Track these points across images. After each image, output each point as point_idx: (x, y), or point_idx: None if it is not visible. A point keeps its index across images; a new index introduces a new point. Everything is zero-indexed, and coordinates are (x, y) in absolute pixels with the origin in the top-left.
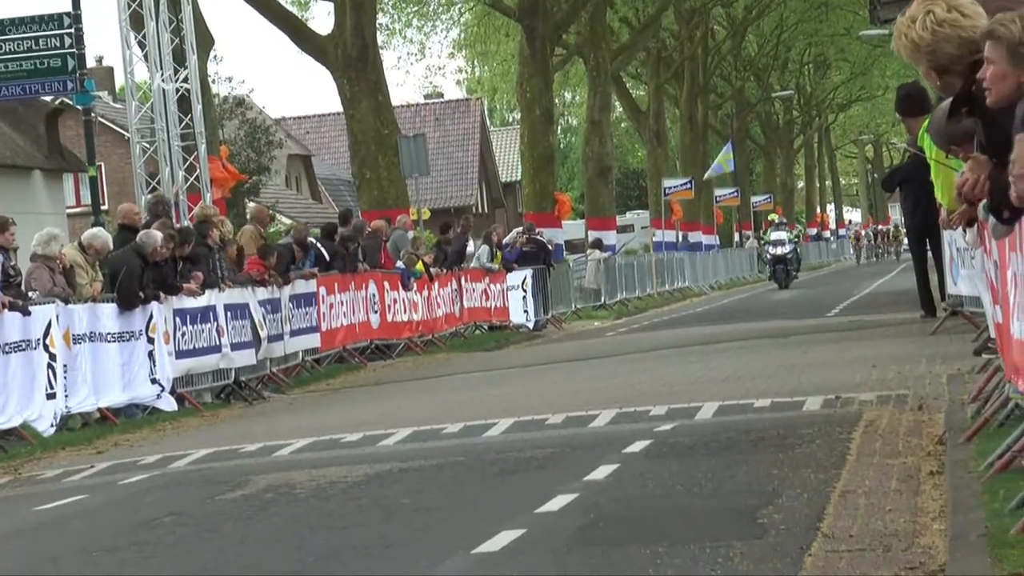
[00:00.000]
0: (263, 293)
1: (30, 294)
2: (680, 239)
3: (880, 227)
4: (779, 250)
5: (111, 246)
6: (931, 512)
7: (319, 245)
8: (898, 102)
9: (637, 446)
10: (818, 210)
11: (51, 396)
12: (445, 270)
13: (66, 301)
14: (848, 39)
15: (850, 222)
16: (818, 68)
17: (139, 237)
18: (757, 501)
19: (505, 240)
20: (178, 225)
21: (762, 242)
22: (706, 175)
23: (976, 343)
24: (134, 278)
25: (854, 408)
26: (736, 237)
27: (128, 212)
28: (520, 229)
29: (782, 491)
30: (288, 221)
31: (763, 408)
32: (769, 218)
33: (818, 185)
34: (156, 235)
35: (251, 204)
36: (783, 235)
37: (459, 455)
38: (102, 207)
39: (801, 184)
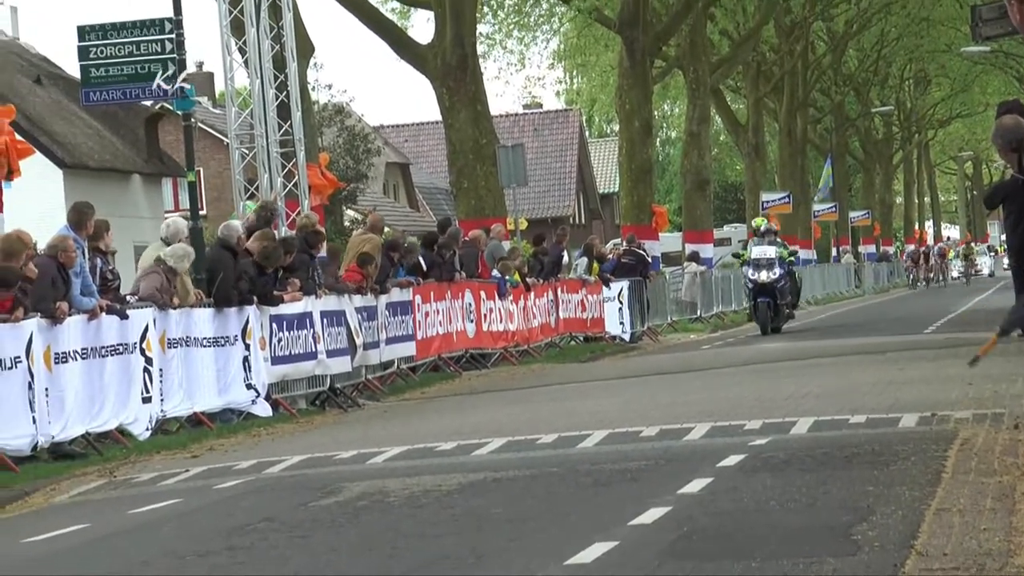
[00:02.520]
0: (359, 300)
1: (128, 297)
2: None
3: (922, 248)
4: (763, 274)
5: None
6: None
7: (419, 256)
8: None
9: (731, 460)
10: (916, 226)
11: (147, 400)
12: (541, 280)
13: (163, 308)
14: (949, 55)
15: (949, 238)
16: (918, 84)
17: (220, 231)
18: (851, 517)
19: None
20: (280, 235)
21: (740, 261)
22: (816, 198)
23: None
24: (228, 275)
25: (950, 426)
26: (834, 252)
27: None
28: (619, 240)
29: (876, 508)
30: (387, 230)
31: (858, 424)
32: (753, 224)
33: (917, 201)
34: (236, 225)
35: (370, 215)
36: (771, 252)
37: (553, 466)
38: (200, 212)
39: (900, 200)
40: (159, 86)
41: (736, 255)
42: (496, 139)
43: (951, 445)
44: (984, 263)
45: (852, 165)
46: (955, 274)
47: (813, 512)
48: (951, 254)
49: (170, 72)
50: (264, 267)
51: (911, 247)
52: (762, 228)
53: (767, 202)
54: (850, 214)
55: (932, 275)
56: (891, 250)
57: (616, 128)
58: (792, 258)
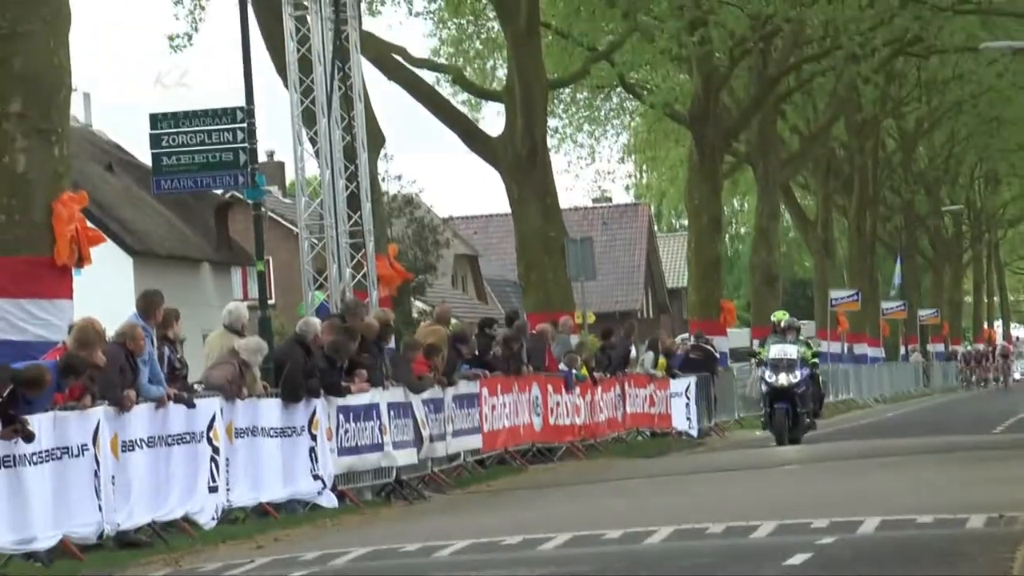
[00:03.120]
0: (427, 393)
1: (196, 386)
2: (845, 351)
3: (980, 346)
4: (782, 377)
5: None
6: None
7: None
8: None
9: (798, 559)
10: (985, 325)
11: (213, 489)
12: (608, 374)
13: (229, 398)
14: (1020, 155)
15: (1018, 338)
16: (989, 183)
17: (299, 327)
18: None
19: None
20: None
21: (756, 360)
22: (892, 291)
23: None
24: (298, 369)
25: (1018, 527)
26: (902, 350)
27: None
28: (687, 335)
29: None
30: (454, 321)
31: (925, 524)
32: (773, 318)
33: (986, 301)
34: (315, 322)
35: (438, 307)
36: (792, 351)
37: (619, 561)
38: (269, 301)
39: (969, 299)
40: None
41: (752, 353)
42: (565, 232)
43: (1019, 546)
44: None
45: (921, 263)
46: (1018, 375)
47: None
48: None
49: (241, 162)
50: (333, 359)
51: (963, 347)
52: (783, 323)
53: (836, 299)
54: (919, 312)
55: (993, 375)
56: (960, 349)
57: (685, 223)
58: (815, 359)
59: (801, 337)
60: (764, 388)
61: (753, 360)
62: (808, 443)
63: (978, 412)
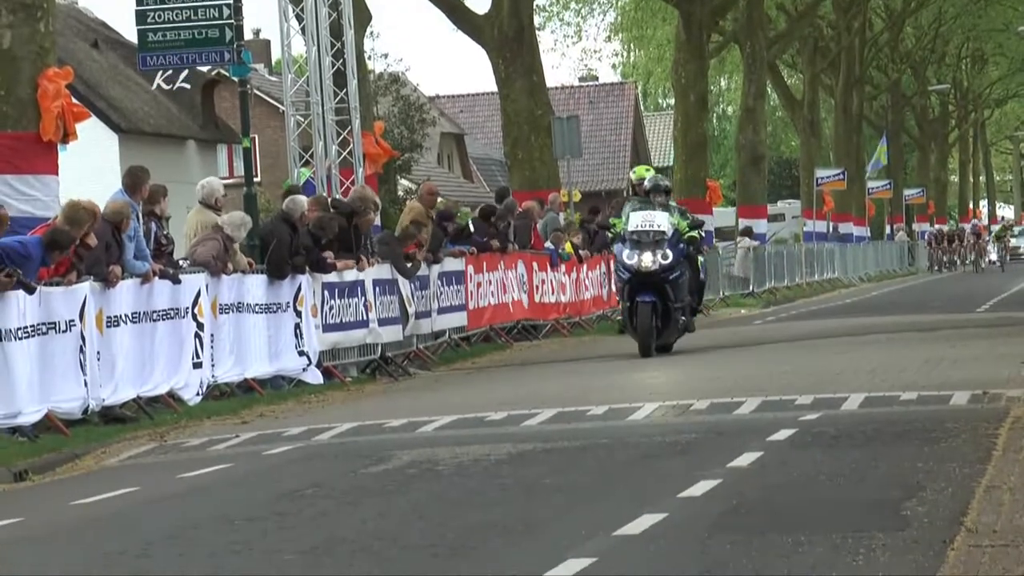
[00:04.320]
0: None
1: (181, 261)
2: (831, 230)
3: (940, 226)
4: (646, 259)
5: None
6: None
7: (471, 225)
8: None
9: (782, 435)
10: (971, 205)
11: (197, 365)
12: (594, 252)
13: (215, 275)
14: (1007, 34)
15: (1003, 218)
16: (975, 63)
17: (285, 204)
18: (901, 493)
19: None
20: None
21: (611, 235)
22: (867, 174)
23: None
24: (283, 247)
25: (1001, 404)
26: (888, 230)
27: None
28: None
29: (926, 484)
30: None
31: (909, 401)
32: (633, 176)
33: (971, 181)
34: (302, 200)
35: (423, 184)
36: (661, 221)
37: (603, 437)
38: (255, 179)
39: (954, 179)
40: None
41: (602, 226)
42: (551, 111)
43: (1002, 423)
44: None
45: (907, 143)
46: (992, 257)
47: (863, 487)
48: (989, 234)
49: (227, 38)
50: (318, 236)
51: (935, 228)
52: (647, 182)
53: (822, 178)
54: (904, 192)
55: (964, 257)
56: (945, 228)
57: (671, 102)
58: (695, 232)
59: (673, 203)
60: (622, 275)
61: (608, 234)
62: (788, 320)
63: (963, 291)
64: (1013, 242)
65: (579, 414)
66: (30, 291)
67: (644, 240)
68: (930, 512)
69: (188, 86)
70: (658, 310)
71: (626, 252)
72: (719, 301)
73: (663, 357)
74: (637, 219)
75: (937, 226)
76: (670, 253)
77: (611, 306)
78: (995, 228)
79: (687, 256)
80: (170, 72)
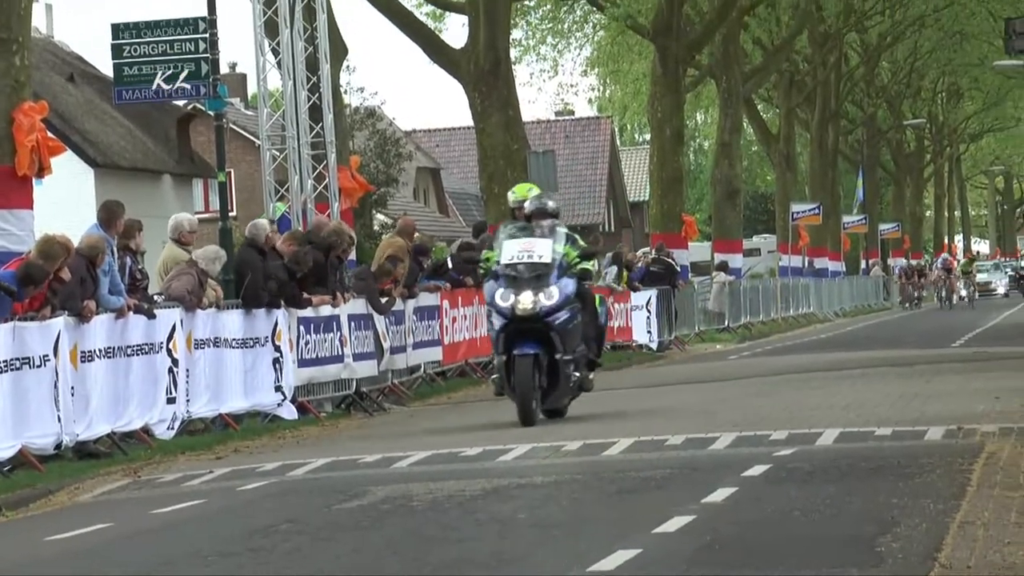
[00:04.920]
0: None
1: (156, 297)
2: (806, 264)
3: (915, 261)
4: (524, 299)
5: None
6: None
7: (448, 260)
8: None
9: (756, 470)
10: (946, 240)
11: (171, 400)
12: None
13: (190, 309)
14: (982, 69)
15: (979, 252)
16: (951, 97)
17: (248, 230)
18: (875, 529)
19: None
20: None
21: (481, 269)
22: (855, 207)
23: None
24: (257, 273)
25: (976, 439)
26: (863, 264)
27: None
28: (648, 249)
29: (901, 520)
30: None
31: (884, 436)
32: (513, 196)
33: (947, 215)
34: (263, 223)
35: (401, 219)
36: (542, 248)
37: (577, 472)
38: (230, 213)
39: (930, 213)
40: (159, 86)
41: (472, 261)
42: (527, 145)
43: (977, 459)
44: (998, 281)
45: (883, 178)
46: (964, 293)
47: (837, 523)
48: (957, 268)
49: (203, 72)
50: (294, 271)
51: (902, 260)
52: (527, 203)
53: (797, 213)
54: (880, 227)
55: (934, 292)
56: (914, 263)
57: (647, 137)
58: (588, 264)
59: (562, 228)
60: (494, 321)
61: (480, 269)
62: (763, 355)
63: (937, 326)
64: (982, 277)
65: (553, 449)
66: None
67: (522, 275)
68: (904, 548)
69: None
70: (542, 364)
71: (499, 292)
72: (694, 336)
73: (637, 389)
74: (513, 249)
75: (905, 260)
76: (555, 291)
77: None
78: (961, 262)
79: (581, 295)
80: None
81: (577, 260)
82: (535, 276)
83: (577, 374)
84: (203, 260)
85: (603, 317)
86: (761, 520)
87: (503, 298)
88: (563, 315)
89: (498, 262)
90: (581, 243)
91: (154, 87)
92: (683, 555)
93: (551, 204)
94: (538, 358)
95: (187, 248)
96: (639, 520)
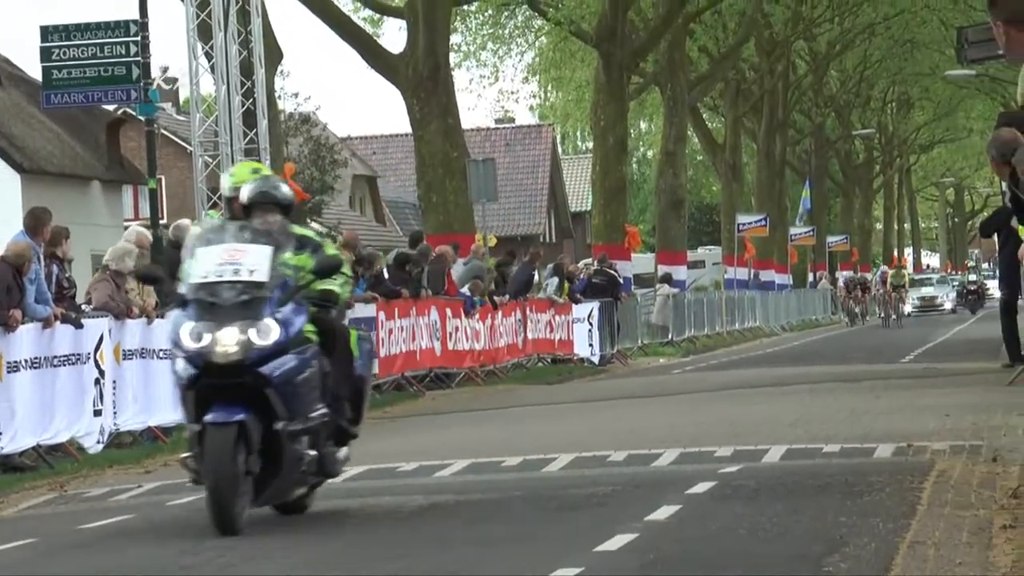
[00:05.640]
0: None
1: (84, 306)
2: (752, 277)
3: (861, 274)
4: (222, 339)
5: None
6: (1003, 567)
7: (385, 272)
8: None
9: (701, 487)
10: (895, 253)
11: (98, 413)
12: (508, 298)
13: (119, 317)
14: (933, 78)
15: (928, 266)
16: (901, 107)
17: (171, 231)
18: (823, 548)
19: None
20: None
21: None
22: (799, 217)
23: None
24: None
25: (926, 457)
26: (810, 277)
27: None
28: (590, 260)
29: (849, 539)
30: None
31: (832, 453)
32: (230, 177)
33: (896, 227)
34: (187, 223)
35: (345, 233)
36: (256, 262)
37: (517, 489)
38: (161, 221)
39: (879, 226)
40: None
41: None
42: (467, 153)
43: (927, 477)
44: (944, 296)
45: (831, 189)
46: (908, 308)
47: (784, 542)
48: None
49: (134, 76)
50: None
51: (847, 273)
52: (245, 190)
53: (743, 224)
54: (828, 239)
55: (880, 308)
56: (869, 276)
57: (590, 145)
58: (336, 284)
59: (298, 229)
60: (180, 371)
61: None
62: (708, 370)
63: (887, 341)
64: (927, 291)
65: (493, 465)
66: None
67: (222, 301)
68: (853, 568)
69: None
70: (251, 438)
71: (187, 328)
72: (637, 350)
73: (578, 404)
74: (209, 262)
75: (847, 273)
76: (273, 326)
77: (526, 354)
78: (890, 272)
79: (323, 331)
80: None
81: (312, 277)
82: (242, 303)
83: (313, 452)
84: (113, 260)
85: (364, 364)
86: (706, 538)
87: (193, 337)
88: (287, 363)
89: (186, 281)
90: (329, 249)
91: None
92: (626, 573)
93: (284, 190)
94: (245, 428)
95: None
96: (581, 537)
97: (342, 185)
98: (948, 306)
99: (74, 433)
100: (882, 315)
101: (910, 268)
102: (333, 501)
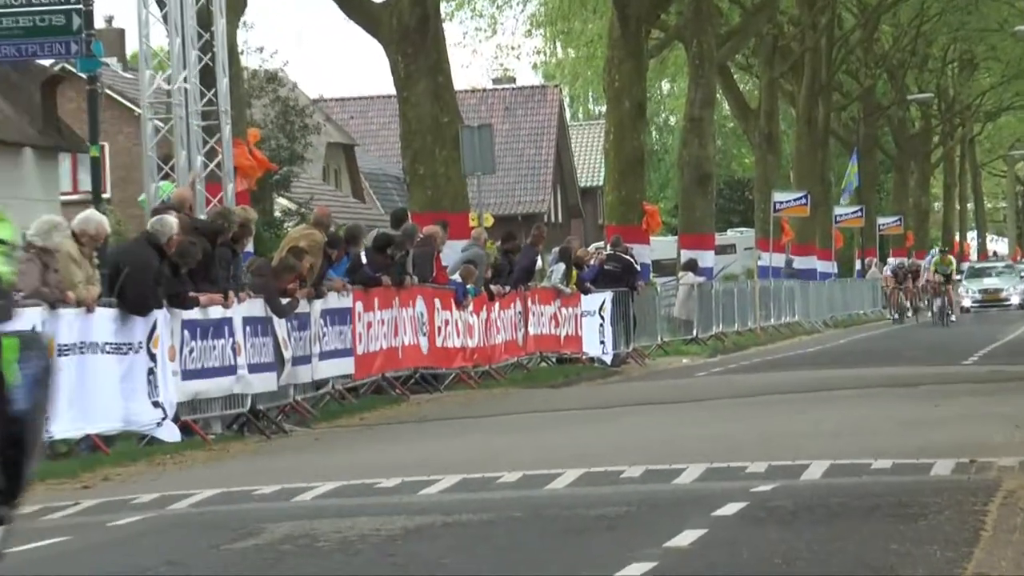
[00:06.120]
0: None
1: (17, 295)
2: (789, 264)
3: (913, 260)
4: None
5: (107, 229)
6: None
7: (363, 256)
8: None
9: (729, 509)
10: (956, 237)
11: None
12: (508, 288)
13: (54, 305)
14: (1001, 35)
15: (995, 253)
16: (964, 68)
17: (151, 224)
18: None
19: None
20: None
21: None
22: (842, 198)
23: None
24: (149, 277)
25: (992, 475)
26: (858, 265)
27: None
28: (602, 243)
29: (901, 570)
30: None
31: (882, 470)
32: None
33: (958, 208)
34: (171, 221)
35: (317, 209)
36: None
37: (515, 510)
38: (103, 194)
39: (938, 205)
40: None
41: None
42: (460, 118)
43: (992, 498)
44: (1011, 288)
45: (882, 162)
46: (968, 303)
47: (825, 573)
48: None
49: (74, 27)
50: (179, 265)
51: (895, 261)
52: None
53: (780, 203)
54: (879, 220)
55: (927, 304)
56: (922, 263)
57: (603, 110)
58: None
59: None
60: None
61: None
62: (739, 372)
63: (947, 338)
64: (990, 282)
65: (487, 481)
66: None
67: None
68: None
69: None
70: None
71: None
72: (656, 348)
73: (587, 411)
74: None
75: (896, 259)
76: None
77: (527, 353)
78: (934, 259)
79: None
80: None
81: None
82: None
83: None
84: (38, 237)
85: (26, 396)
86: (735, 568)
87: None
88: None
89: None
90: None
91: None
92: None
93: None
94: None
95: (82, 248)
96: (589, 568)
97: (314, 154)
98: (1015, 301)
99: None
100: (932, 310)
101: (974, 255)
102: (301, 523)
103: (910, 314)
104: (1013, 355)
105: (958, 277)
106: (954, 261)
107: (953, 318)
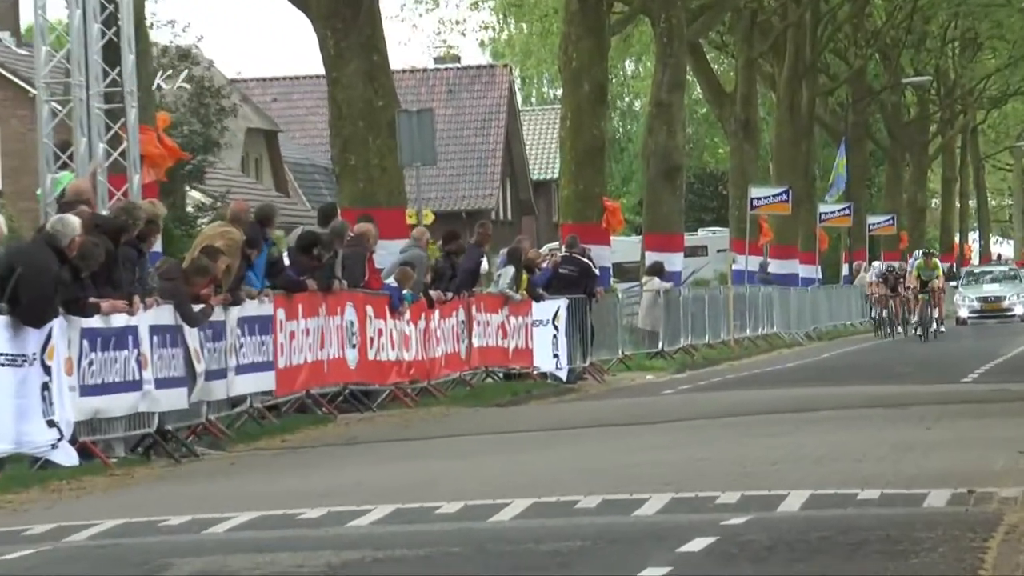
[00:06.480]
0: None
1: None
2: (766, 269)
3: (899, 264)
4: None
5: (4, 231)
6: None
7: (286, 257)
8: None
9: (697, 544)
10: (956, 238)
11: None
12: (450, 294)
13: None
14: (1008, 11)
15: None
16: (966, 48)
17: (51, 224)
18: None
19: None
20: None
21: None
22: (828, 194)
23: None
24: (47, 279)
25: (992, 507)
26: (845, 270)
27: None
28: (556, 244)
29: None
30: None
31: (869, 501)
32: None
33: (958, 205)
34: (74, 221)
35: (233, 203)
36: None
37: (455, 544)
38: None
39: (936, 202)
40: None
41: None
42: (397, 102)
43: (993, 533)
44: (1014, 297)
45: (874, 154)
46: (965, 313)
47: None
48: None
49: None
50: (80, 268)
51: (882, 264)
52: None
53: (758, 199)
54: (869, 219)
55: (914, 314)
56: (896, 265)
57: (558, 93)
58: None
59: None
60: None
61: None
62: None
63: (943, 354)
64: (992, 290)
65: (424, 512)
66: None
67: None
68: None
69: (188, 86)
70: None
71: None
72: (617, 362)
73: (538, 433)
74: None
75: (884, 263)
76: None
77: (471, 367)
78: (917, 263)
79: None
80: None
81: None
82: None
83: None
84: None
85: None
86: None
87: None
88: None
89: None
90: None
91: None
92: None
93: None
94: None
95: None
96: None
97: (232, 141)
98: (1020, 311)
99: None
100: (910, 322)
101: (976, 258)
102: (214, 558)
103: (889, 327)
104: (1017, 372)
105: (954, 284)
106: (941, 265)
107: (942, 330)
